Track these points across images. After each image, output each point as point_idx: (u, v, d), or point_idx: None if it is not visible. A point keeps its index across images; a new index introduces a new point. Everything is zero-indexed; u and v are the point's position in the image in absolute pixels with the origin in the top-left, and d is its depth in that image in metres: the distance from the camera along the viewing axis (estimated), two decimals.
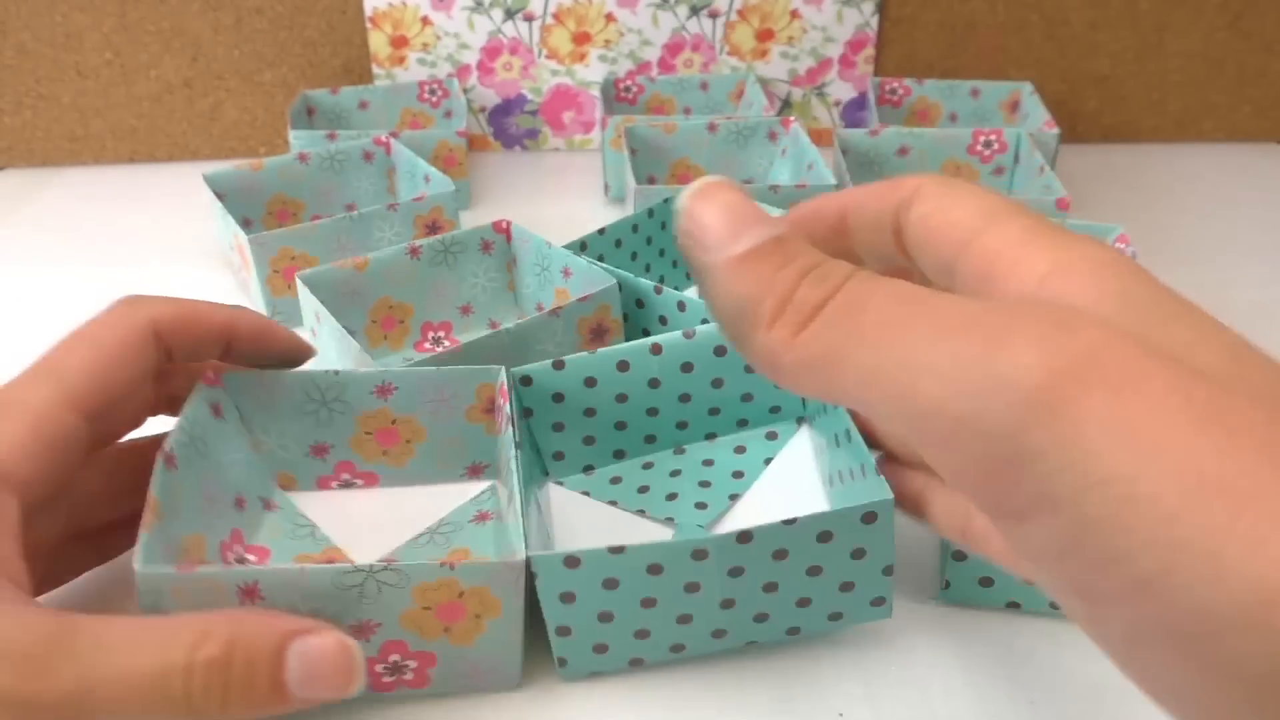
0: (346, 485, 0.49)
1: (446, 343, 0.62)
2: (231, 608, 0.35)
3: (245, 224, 0.70)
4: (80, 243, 0.77)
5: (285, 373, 0.46)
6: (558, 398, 0.48)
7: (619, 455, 0.51)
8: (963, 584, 0.43)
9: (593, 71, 0.89)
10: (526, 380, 0.47)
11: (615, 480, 0.50)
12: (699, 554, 0.37)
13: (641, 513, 0.48)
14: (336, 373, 0.47)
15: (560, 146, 0.92)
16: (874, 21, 0.88)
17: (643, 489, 0.49)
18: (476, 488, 0.50)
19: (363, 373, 0.47)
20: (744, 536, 0.37)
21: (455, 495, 0.49)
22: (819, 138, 0.91)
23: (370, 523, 0.47)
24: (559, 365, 0.47)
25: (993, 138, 0.76)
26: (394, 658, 0.39)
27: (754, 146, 0.77)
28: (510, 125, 0.91)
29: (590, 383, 0.48)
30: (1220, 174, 0.86)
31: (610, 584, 0.37)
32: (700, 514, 0.47)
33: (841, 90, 0.91)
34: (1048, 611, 0.43)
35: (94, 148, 0.89)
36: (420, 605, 0.37)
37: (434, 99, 0.87)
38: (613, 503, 0.49)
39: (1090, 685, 0.41)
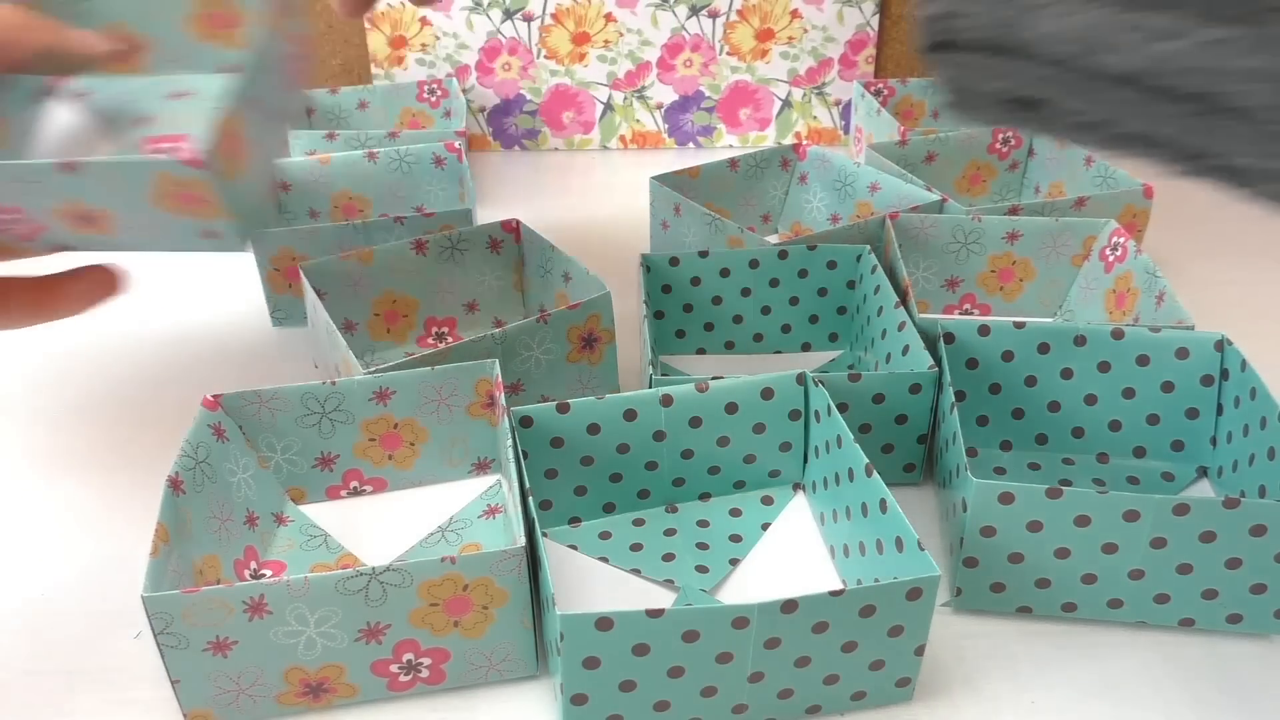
0: (356, 493, 0.49)
1: (449, 339, 0.60)
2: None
3: (311, 215, 0.70)
4: None
5: (283, 389, 0.45)
6: (556, 442, 0.45)
7: (608, 509, 0.48)
8: (974, 591, 0.42)
9: (592, 72, 0.87)
10: (526, 421, 0.44)
11: (604, 535, 0.47)
12: (740, 622, 0.34)
13: (636, 572, 0.45)
14: (334, 383, 0.46)
15: (559, 146, 0.90)
16: (874, 21, 0.86)
17: (635, 547, 0.46)
18: (485, 483, 0.49)
19: (359, 380, 0.46)
20: (789, 606, 0.34)
21: (465, 492, 0.49)
22: (818, 137, 0.90)
23: (382, 527, 0.47)
24: (563, 408, 0.45)
25: (1009, 134, 0.74)
26: (408, 657, 0.38)
27: (769, 178, 0.73)
28: (509, 125, 0.89)
29: (594, 429, 0.45)
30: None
31: (641, 650, 0.35)
32: (702, 578, 0.44)
33: (842, 90, 0.89)
34: (1059, 615, 0.42)
35: None
36: (428, 602, 0.36)
37: (433, 99, 0.85)
38: (603, 559, 0.45)
39: (1090, 686, 0.40)
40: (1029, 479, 0.49)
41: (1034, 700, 0.39)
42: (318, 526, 0.47)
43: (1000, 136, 0.74)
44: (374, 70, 0.85)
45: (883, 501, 0.40)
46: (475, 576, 0.36)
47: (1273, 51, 0.22)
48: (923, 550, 0.37)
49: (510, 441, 0.42)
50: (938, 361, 0.48)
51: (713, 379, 0.46)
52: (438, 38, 0.84)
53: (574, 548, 0.46)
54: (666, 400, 0.46)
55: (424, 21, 0.83)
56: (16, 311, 0.45)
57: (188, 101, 0.50)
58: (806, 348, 0.60)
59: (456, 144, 0.71)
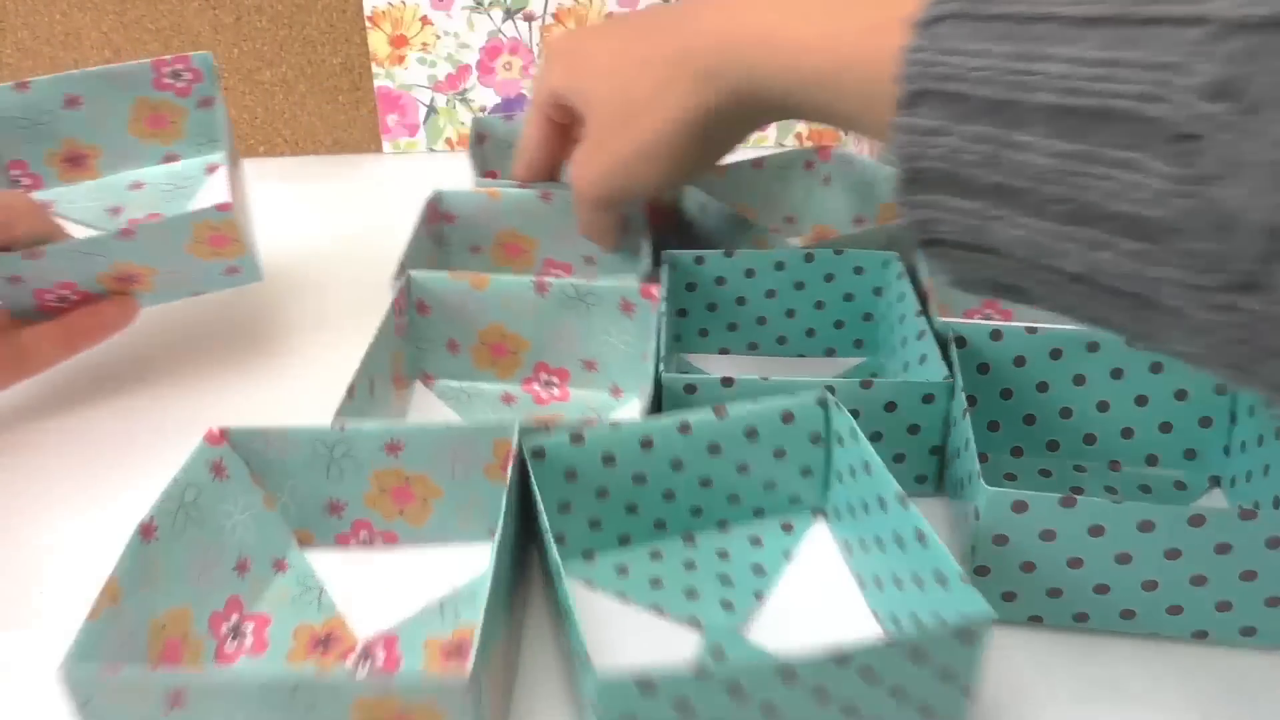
0: (366, 543, 0.46)
1: (556, 390, 0.56)
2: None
3: (472, 250, 0.64)
4: None
5: (291, 429, 0.43)
6: (570, 475, 0.43)
7: (624, 541, 0.46)
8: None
9: None
10: (539, 453, 0.42)
11: (621, 570, 0.45)
12: (787, 675, 0.33)
13: (658, 609, 0.43)
14: (342, 429, 0.43)
15: None
16: None
17: (655, 582, 0.44)
18: None
19: (369, 429, 0.43)
20: (841, 659, 0.33)
21: (477, 558, 0.45)
22: (819, 137, 0.90)
23: (383, 586, 0.44)
24: (577, 439, 0.43)
25: None
26: None
27: (793, 179, 0.72)
28: None
29: (609, 461, 0.43)
30: None
31: (683, 707, 0.32)
32: (728, 615, 0.42)
33: None
34: (1070, 625, 0.42)
35: None
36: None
37: None
38: (622, 596, 0.43)
39: (1101, 698, 0.40)
40: (1039, 486, 0.49)
41: (1043, 711, 0.39)
42: (316, 579, 0.44)
43: None
44: (375, 69, 0.84)
45: (919, 533, 0.38)
46: (415, 700, 0.33)
47: (1177, 264, 0.25)
48: (967, 585, 0.35)
49: (500, 525, 0.38)
50: (949, 364, 0.47)
51: (723, 380, 0.46)
52: (439, 37, 0.83)
53: (589, 583, 0.44)
54: (684, 428, 0.44)
55: (424, 21, 0.83)
56: (50, 353, 0.52)
57: (144, 190, 0.57)
58: (831, 353, 0.59)
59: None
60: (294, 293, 0.67)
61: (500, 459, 0.44)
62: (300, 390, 0.58)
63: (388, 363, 0.51)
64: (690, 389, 0.46)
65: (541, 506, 0.40)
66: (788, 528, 0.47)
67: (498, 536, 0.37)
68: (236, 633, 0.41)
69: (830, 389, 0.45)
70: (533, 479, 0.41)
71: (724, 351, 0.59)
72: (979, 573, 0.41)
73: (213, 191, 0.59)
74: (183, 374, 0.60)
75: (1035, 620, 0.42)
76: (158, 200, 0.57)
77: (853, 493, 0.44)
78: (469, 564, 0.45)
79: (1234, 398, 0.48)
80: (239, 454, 0.43)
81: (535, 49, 0.85)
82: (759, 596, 0.43)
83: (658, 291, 0.52)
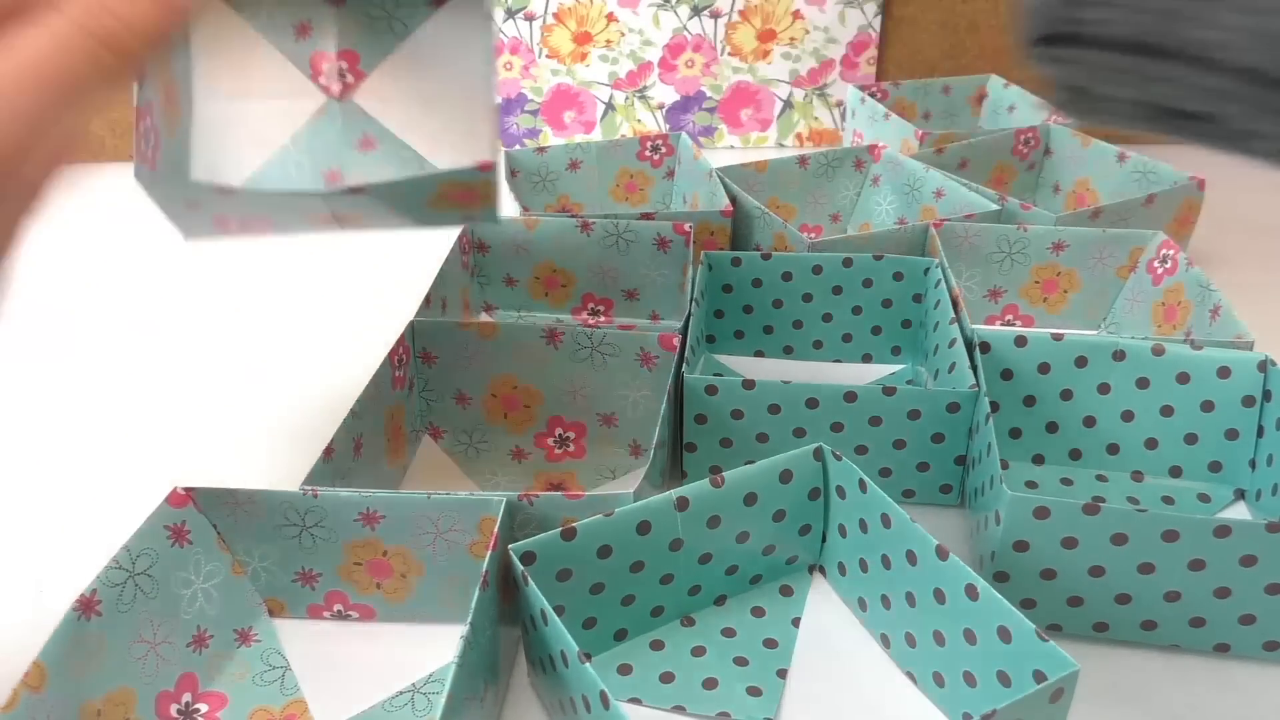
0: (340, 616, 0.43)
1: (572, 446, 0.54)
2: None
3: (507, 283, 0.62)
4: (79, 242, 0.74)
5: (260, 492, 0.40)
6: (563, 575, 0.39)
7: (620, 636, 0.42)
8: None
9: (593, 71, 0.87)
10: (529, 557, 0.38)
11: (624, 670, 0.41)
12: None
13: (680, 710, 0.39)
14: (315, 495, 0.40)
15: None
16: (876, 22, 0.87)
17: (666, 678, 0.40)
18: None
19: (344, 497, 0.40)
20: None
21: (456, 640, 0.40)
22: (820, 138, 0.91)
23: (354, 667, 0.41)
24: (569, 535, 0.39)
25: (1030, 135, 0.75)
26: None
27: (841, 178, 0.73)
28: (510, 124, 0.88)
29: (604, 552, 0.40)
30: (1238, 173, 0.85)
31: None
32: (757, 702, 0.39)
33: (844, 91, 0.89)
34: (1090, 635, 0.42)
35: (92, 146, 0.85)
36: None
37: (655, 156, 0.76)
38: (636, 701, 0.39)
39: (1116, 708, 0.40)
40: (1061, 494, 0.49)
41: None
42: (282, 655, 0.41)
43: (1022, 138, 0.75)
44: None
45: (970, 587, 0.36)
46: None
47: None
48: (1045, 640, 0.34)
49: (466, 636, 0.34)
50: (974, 371, 0.47)
51: (744, 381, 0.46)
52: None
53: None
54: (682, 503, 0.41)
55: None
56: None
57: (344, 9, 0.49)
58: (867, 359, 0.59)
59: (687, 226, 0.60)
60: (304, 330, 0.64)
61: (486, 536, 0.40)
62: (303, 439, 0.53)
63: (382, 418, 0.48)
64: (711, 390, 0.46)
65: (537, 622, 0.37)
66: (787, 591, 0.44)
67: (466, 636, 0.34)
68: (187, 714, 0.38)
69: (851, 394, 0.45)
70: (523, 594, 0.38)
71: (759, 354, 0.59)
72: (998, 578, 0.40)
73: (435, 42, 0.48)
74: (157, 420, 0.56)
75: (1054, 628, 0.41)
76: (357, 26, 0.49)
77: (864, 548, 0.42)
78: (450, 646, 0.39)
79: (1261, 410, 0.48)
80: (206, 516, 0.40)
81: (536, 48, 0.85)
82: (782, 674, 0.41)
83: (678, 342, 0.50)
